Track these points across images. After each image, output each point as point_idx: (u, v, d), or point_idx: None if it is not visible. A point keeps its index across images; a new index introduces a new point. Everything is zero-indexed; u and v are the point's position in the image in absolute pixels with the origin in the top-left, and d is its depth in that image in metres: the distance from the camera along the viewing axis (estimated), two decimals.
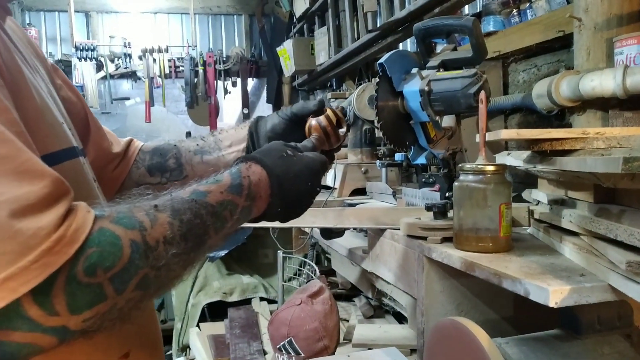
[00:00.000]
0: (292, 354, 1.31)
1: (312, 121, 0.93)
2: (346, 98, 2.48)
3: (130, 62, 4.60)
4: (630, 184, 0.72)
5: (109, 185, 0.96)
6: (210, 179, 0.68)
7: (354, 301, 1.91)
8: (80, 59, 4.43)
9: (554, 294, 0.70)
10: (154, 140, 1.04)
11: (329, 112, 0.91)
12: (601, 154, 0.77)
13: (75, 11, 4.44)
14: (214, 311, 2.36)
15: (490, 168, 0.94)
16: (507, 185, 0.95)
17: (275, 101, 5.05)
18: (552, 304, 0.70)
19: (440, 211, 1.09)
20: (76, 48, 4.42)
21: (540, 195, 1.12)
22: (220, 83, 4.88)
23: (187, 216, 0.59)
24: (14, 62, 0.66)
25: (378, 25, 2.66)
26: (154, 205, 0.58)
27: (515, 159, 1.12)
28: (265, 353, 1.54)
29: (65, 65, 4.57)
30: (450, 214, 1.10)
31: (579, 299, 0.71)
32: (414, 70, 1.61)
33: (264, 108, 5.33)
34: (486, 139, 0.97)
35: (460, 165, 0.98)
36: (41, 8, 4.65)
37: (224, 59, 4.88)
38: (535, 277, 0.75)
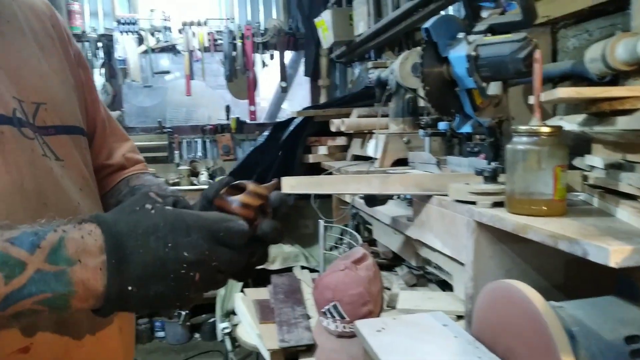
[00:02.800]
0: (337, 318, 1.33)
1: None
2: (387, 67, 2.44)
3: (170, 35, 4.65)
4: None
5: None
6: (30, 228, 0.51)
7: (395, 271, 1.91)
8: (122, 33, 4.50)
9: (615, 253, 0.68)
10: (146, 177, 0.92)
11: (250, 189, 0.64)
12: None
13: None
14: (256, 279, 2.41)
15: (546, 130, 0.91)
16: (563, 147, 0.92)
17: (313, 73, 5.03)
18: (612, 263, 0.68)
19: (490, 175, 1.07)
20: (118, 22, 4.49)
21: (595, 161, 1.08)
22: (258, 56, 4.89)
23: None
24: None
25: None
26: None
27: (569, 123, 1.09)
28: (309, 317, 1.57)
29: (107, 40, 4.65)
30: (500, 178, 1.08)
31: None
32: (460, 35, 1.58)
33: (301, 80, 5.31)
34: (541, 100, 0.95)
35: (513, 127, 0.96)
36: None
37: (262, 31, 4.87)
38: (594, 238, 0.74)
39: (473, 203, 1.06)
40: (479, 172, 1.08)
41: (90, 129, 0.89)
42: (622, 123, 0.82)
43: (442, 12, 3.15)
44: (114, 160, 0.89)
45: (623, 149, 0.96)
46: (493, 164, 1.11)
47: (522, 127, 0.93)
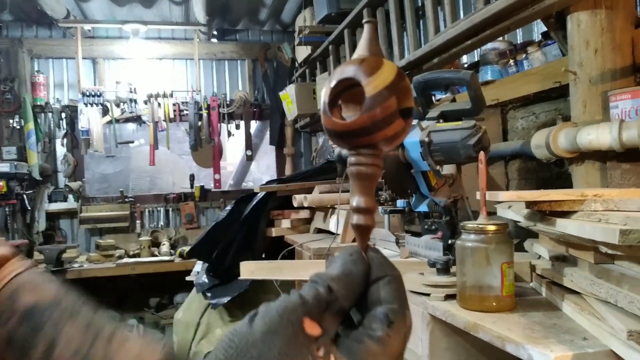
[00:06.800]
0: None
1: None
2: None
3: (135, 106, 4.68)
4: (628, 251, 0.74)
5: None
6: None
7: None
8: (86, 105, 4.52)
9: None
10: (38, 272, 0.55)
11: None
12: (599, 218, 0.79)
13: (83, 58, 4.55)
14: None
15: (492, 228, 0.95)
16: (509, 245, 0.96)
17: (278, 142, 5.12)
18: None
19: (443, 268, 1.10)
20: (83, 94, 4.50)
21: (542, 250, 1.13)
22: (224, 126, 4.95)
23: None
24: None
25: None
26: None
27: (516, 214, 1.14)
28: None
29: (72, 111, 4.65)
30: (453, 269, 1.11)
31: None
32: (414, 122, 1.65)
33: (266, 149, 5.39)
34: (487, 199, 0.99)
35: (462, 224, 1.00)
36: (50, 55, 4.76)
37: (228, 102, 4.96)
38: (538, 342, 0.76)
39: (427, 294, 1.08)
40: (432, 264, 1.11)
41: None
42: (561, 226, 0.86)
43: None
44: None
45: (566, 244, 1.00)
46: (445, 257, 1.14)
47: (470, 225, 0.97)
